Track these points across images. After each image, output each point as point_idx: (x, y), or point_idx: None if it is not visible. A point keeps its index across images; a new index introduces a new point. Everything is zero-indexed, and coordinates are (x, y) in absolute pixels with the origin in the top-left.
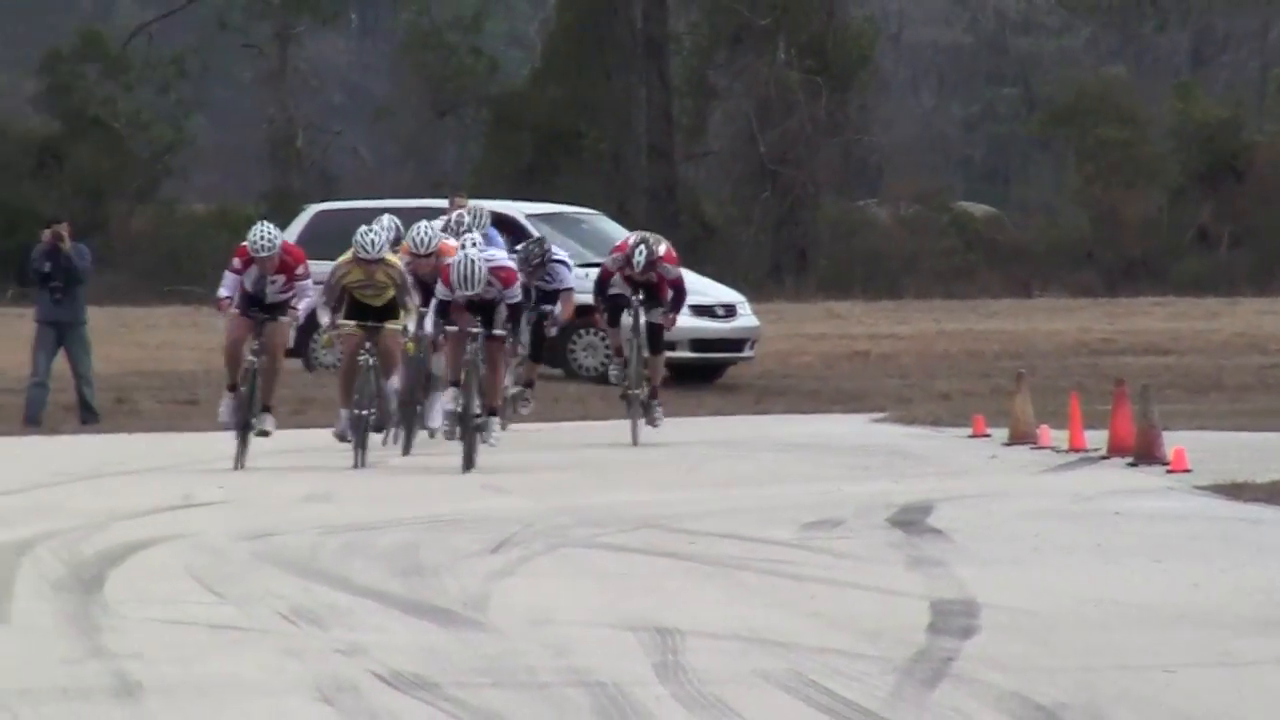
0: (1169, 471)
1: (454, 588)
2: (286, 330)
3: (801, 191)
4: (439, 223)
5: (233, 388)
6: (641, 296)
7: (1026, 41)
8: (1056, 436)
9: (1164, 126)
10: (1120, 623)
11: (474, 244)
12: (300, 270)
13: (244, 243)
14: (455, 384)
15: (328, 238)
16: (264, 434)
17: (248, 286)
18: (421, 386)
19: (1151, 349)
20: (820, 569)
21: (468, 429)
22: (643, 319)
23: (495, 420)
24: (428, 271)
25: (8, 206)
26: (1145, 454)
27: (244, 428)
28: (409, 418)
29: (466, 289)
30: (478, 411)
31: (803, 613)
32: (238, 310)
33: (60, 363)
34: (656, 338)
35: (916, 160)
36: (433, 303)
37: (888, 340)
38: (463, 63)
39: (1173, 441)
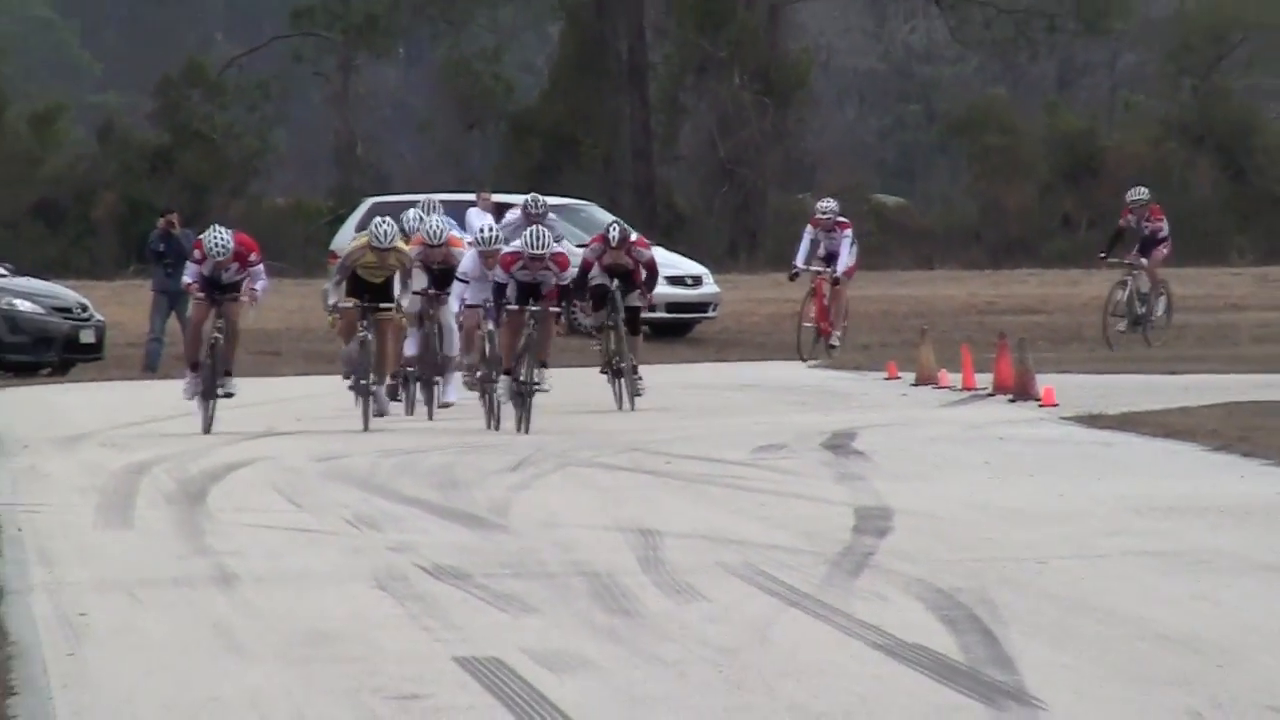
0: (1040, 406)
1: (482, 498)
2: (242, 307)
3: (753, 187)
4: (512, 214)
5: (194, 366)
6: (618, 283)
7: (929, 68)
8: (953, 379)
9: (1036, 135)
10: (1003, 524)
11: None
12: (253, 258)
13: (201, 237)
14: (507, 371)
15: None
16: (229, 395)
17: (205, 274)
18: (434, 363)
19: (1026, 309)
20: (768, 483)
21: (525, 396)
22: (620, 304)
23: (546, 370)
24: (439, 260)
25: (129, 200)
26: (1022, 392)
27: (208, 395)
28: (429, 387)
29: (534, 249)
30: (536, 380)
31: (754, 517)
32: (203, 294)
33: (171, 323)
34: (634, 320)
35: (842, 161)
36: (497, 287)
37: None
38: (486, 86)
39: (1043, 382)
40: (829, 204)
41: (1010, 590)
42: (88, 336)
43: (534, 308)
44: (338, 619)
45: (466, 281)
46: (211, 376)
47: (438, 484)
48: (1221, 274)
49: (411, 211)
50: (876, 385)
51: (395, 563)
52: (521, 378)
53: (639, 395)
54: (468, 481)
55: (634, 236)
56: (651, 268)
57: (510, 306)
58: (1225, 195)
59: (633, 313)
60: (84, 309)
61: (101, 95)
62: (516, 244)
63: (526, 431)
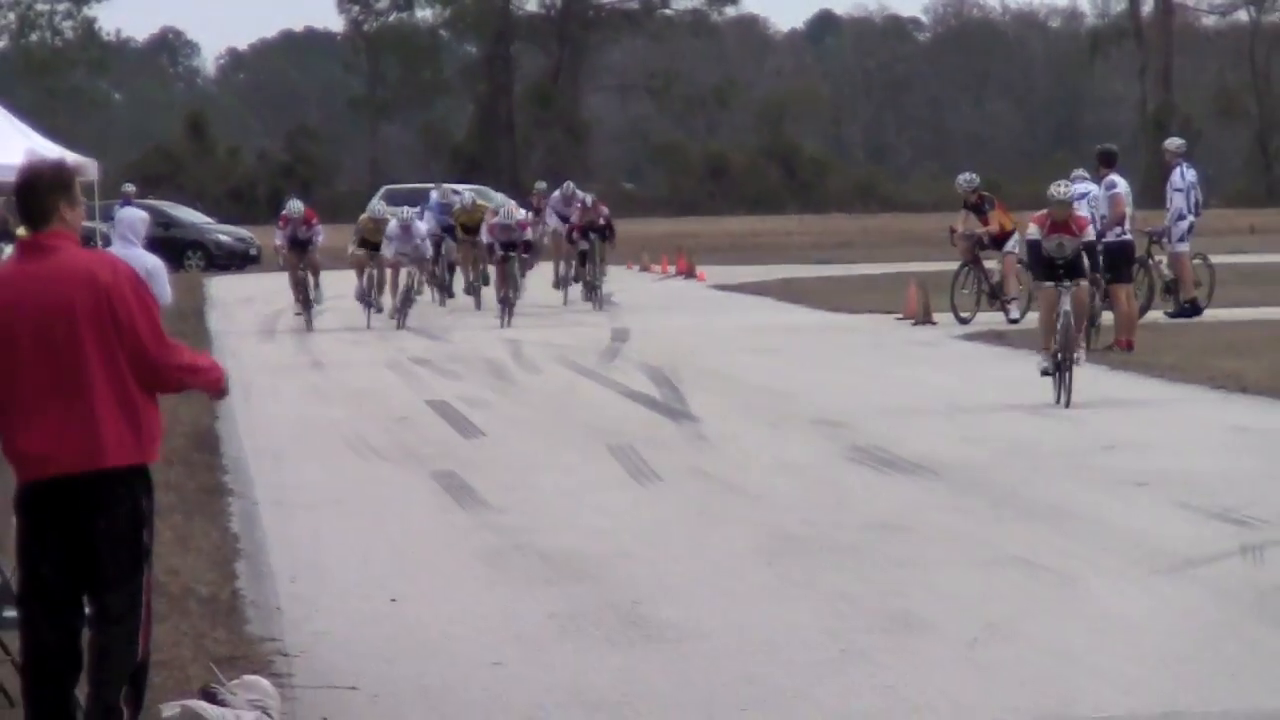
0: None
1: (459, 338)
2: (315, 254)
3: None
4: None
5: (297, 292)
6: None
7: None
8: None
9: None
10: (689, 336)
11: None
12: (315, 222)
13: (284, 212)
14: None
15: (394, 200)
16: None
17: (288, 236)
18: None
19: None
20: (575, 318)
21: (508, 304)
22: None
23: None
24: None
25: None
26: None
27: (306, 305)
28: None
29: (504, 220)
30: (513, 295)
31: (567, 335)
32: (288, 249)
33: None
34: (603, 255)
35: None
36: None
37: None
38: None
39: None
40: None
41: (687, 368)
42: (253, 253)
43: (510, 255)
44: (369, 383)
45: (391, 240)
46: (306, 297)
47: (441, 329)
48: None
49: (434, 193)
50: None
51: (396, 357)
52: (501, 294)
53: (603, 307)
54: (437, 328)
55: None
56: (609, 223)
57: (497, 254)
58: None
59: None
60: (247, 239)
61: None
62: (495, 219)
63: (507, 325)
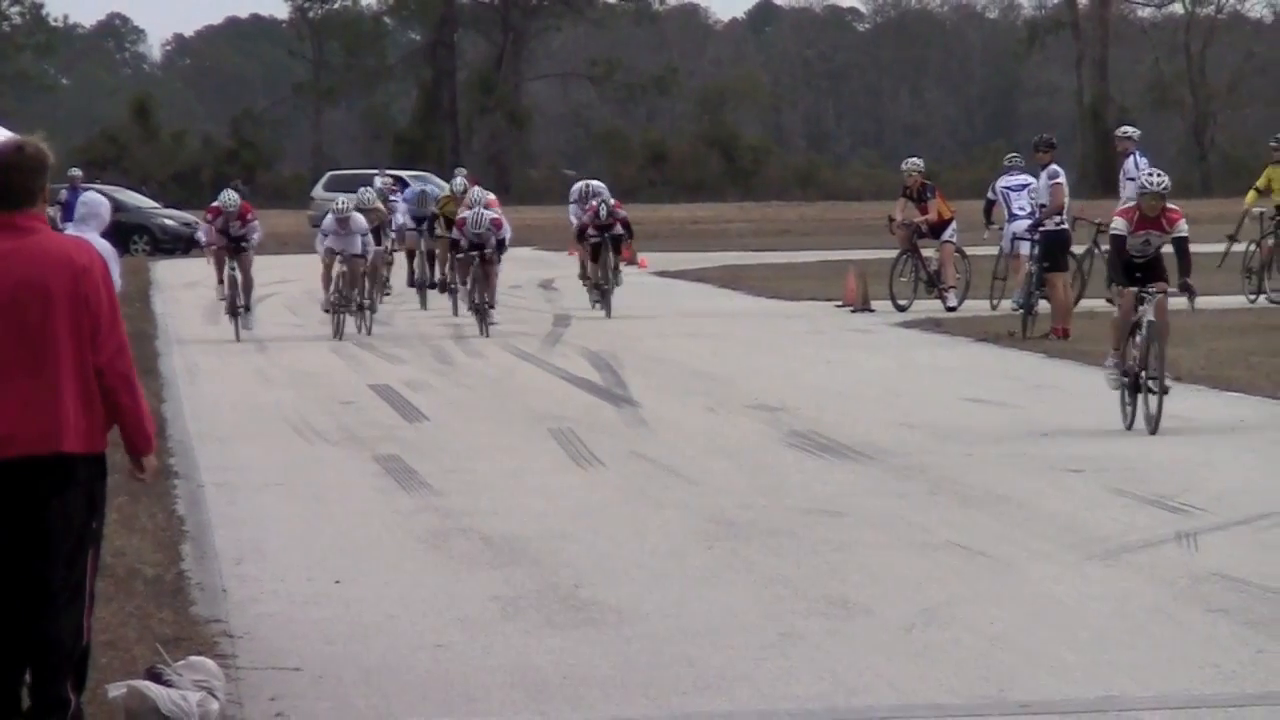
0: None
1: (402, 320)
2: (250, 254)
3: None
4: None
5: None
6: (606, 235)
7: None
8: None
9: None
10: (625, 324)
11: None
12: (250, 216)
13: (216, 203)
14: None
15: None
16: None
17: (218, 229)
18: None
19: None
20: (525, 304)
21: (481, 311)
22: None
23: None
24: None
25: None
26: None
27: (234, 311)
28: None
29: (474, 227)
30: (489, 301)
31: (509, 320)
32: (216, 245)
33: None
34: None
35: None
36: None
37: None
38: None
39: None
40: None
41: (627, 353)
42: (198, 237)
43: (480, 253)
44: (315, 367)
45: (326, 235)
46: (233, 298)
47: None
48: None
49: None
50: None
51: (339, 345)
52: (475, 300)
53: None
54: (396, 321)
55: (612, 201)
56: (626, 223)
57: (460, 255)
58: None
59: (618, 254)
60: (192, 224)
61: None
62: (465, 214)
63: (485, 335)
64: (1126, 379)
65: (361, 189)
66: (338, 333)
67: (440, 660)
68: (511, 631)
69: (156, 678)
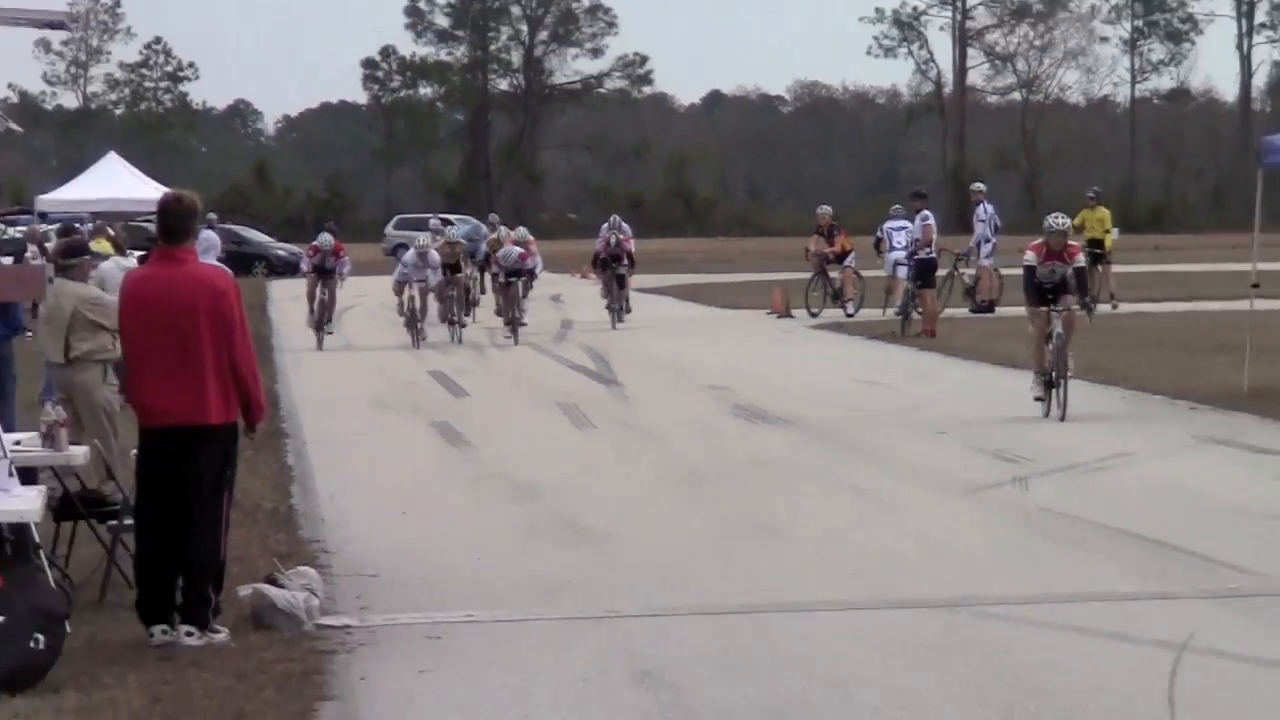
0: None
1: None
2: (336, 281)
3: None
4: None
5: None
6: (615, 263)
7: None
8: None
9: None
10: (619, 326)
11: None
12: (343, 254)
13: (315, 243)
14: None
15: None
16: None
17: (315, 263)
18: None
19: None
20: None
21: (514, 325)
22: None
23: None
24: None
25: None
26: (786, 313)
27: (319, 326)
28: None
29: (504, 262)
30: (521, 318)
31: (532, 318)
32: (313, 273)
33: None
34: (624, 281)
35: None
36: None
37: None
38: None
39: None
40: None
41: (613, 348)
42: (301, 264)
43: (513, 280)
44: (387, 358)
45: (407, 266)
46: (320, 320)
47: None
48: None
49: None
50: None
51: (405, 342)
52: (509, 316)
53: (623, 320)
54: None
55: (627, 230)
56: (630, 255)
57: (500, 281)
58: None
59: (622, 278)
60: (296, 254)
61: None
62: (501, 254)
63: (516, 343)
64: (1044, 378)
65: (449, 228)
66: (416, 343)
67: (477, 569)
68: (528, 549)
69: (273, 582)
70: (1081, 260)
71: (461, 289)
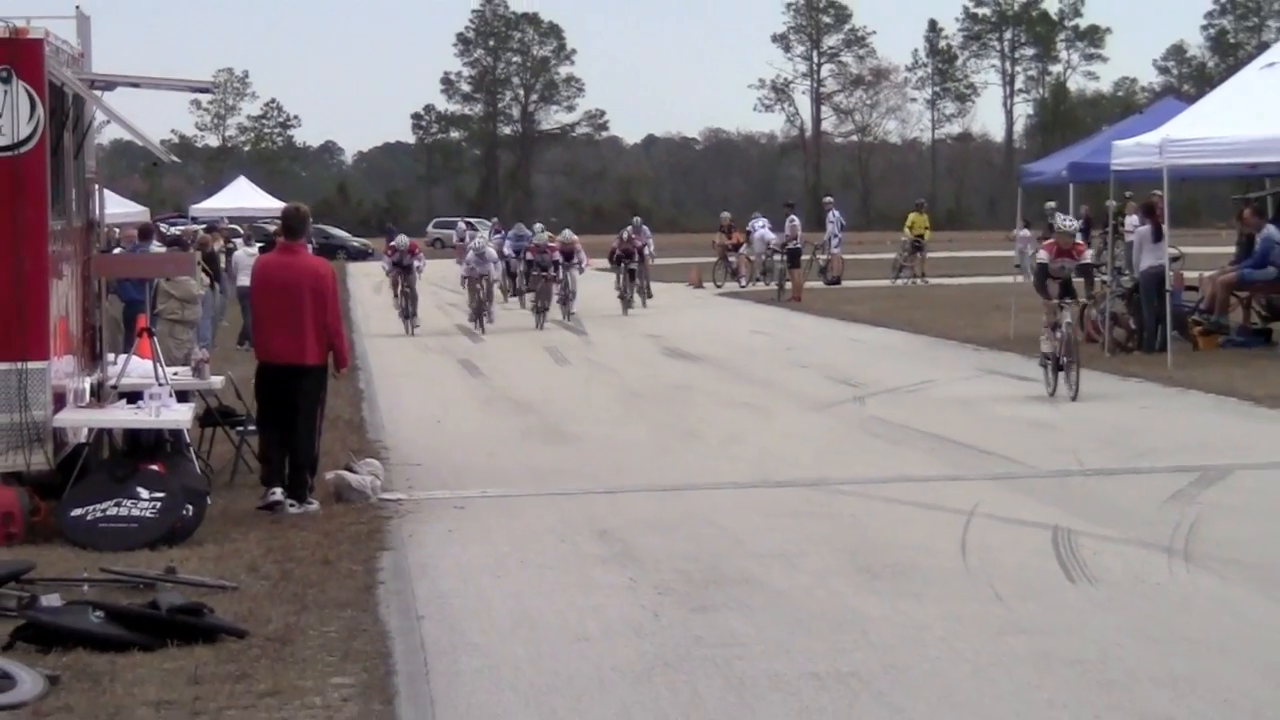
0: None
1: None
2: (415, 276)
3: None
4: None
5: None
6: (627, 259)
7: None
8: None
9: None
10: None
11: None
12: (418, 250)
13: (392, 243)
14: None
15: (440, 225)
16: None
17: (393, 260)
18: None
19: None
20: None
21: (566, 302)
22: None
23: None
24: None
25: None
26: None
27: (406, 317)
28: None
29: (540, 253)
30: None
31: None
32: (394, 270)
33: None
34: (644, 273)
35: None
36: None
37: None
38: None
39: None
40: None
41: (583, 311)
42: (370, 252)
43: (546, 274)
44: (433, 318)
45: (471, 264)
46: (406, 309)
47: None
48: None
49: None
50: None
51: (450, 310)
52: (539, 305)
53: (645, 304)
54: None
55: (645, 230)
56: (643, 249)
57: (534, 273)
58: None
59: (644, 269)
60: (367, 245)
61: None
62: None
63: (542, 329)
64: (1050, 360)
65: (511, 230)
66: (478, 326)
67: (490, 460)
68: (527, 447)
69: (349, 469)
70: (1088, 256)
71: (550, 284)
